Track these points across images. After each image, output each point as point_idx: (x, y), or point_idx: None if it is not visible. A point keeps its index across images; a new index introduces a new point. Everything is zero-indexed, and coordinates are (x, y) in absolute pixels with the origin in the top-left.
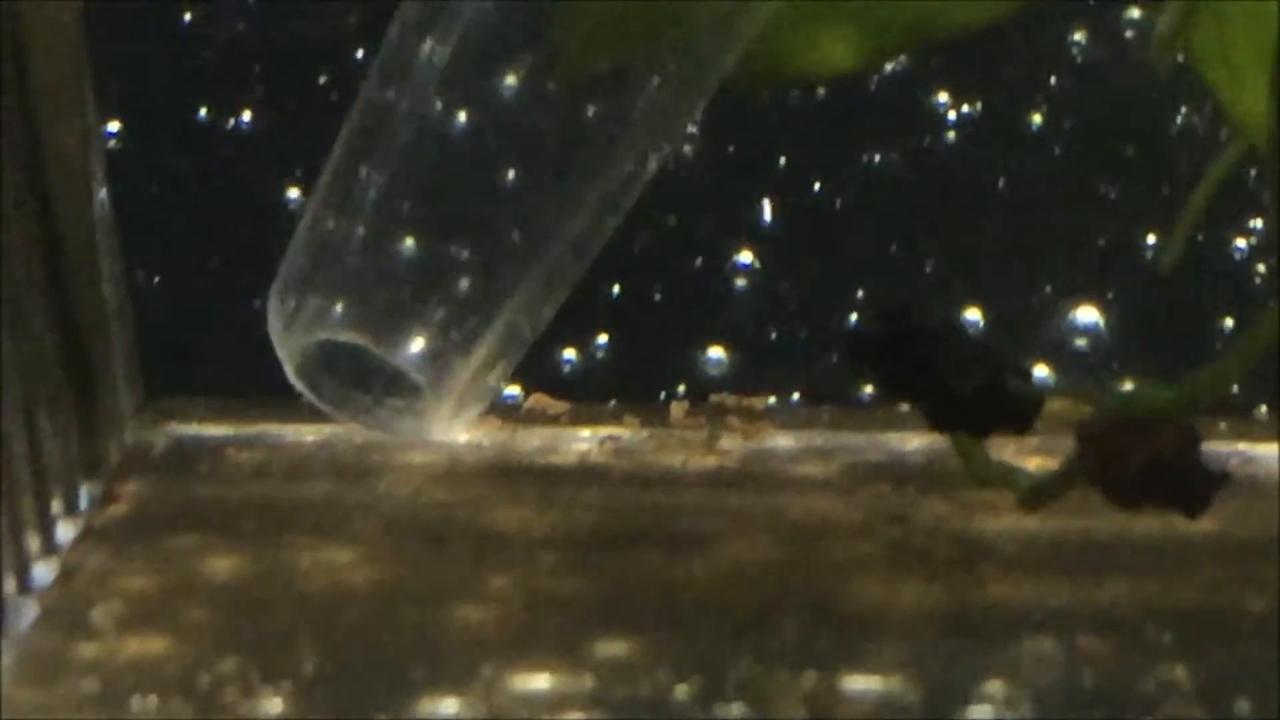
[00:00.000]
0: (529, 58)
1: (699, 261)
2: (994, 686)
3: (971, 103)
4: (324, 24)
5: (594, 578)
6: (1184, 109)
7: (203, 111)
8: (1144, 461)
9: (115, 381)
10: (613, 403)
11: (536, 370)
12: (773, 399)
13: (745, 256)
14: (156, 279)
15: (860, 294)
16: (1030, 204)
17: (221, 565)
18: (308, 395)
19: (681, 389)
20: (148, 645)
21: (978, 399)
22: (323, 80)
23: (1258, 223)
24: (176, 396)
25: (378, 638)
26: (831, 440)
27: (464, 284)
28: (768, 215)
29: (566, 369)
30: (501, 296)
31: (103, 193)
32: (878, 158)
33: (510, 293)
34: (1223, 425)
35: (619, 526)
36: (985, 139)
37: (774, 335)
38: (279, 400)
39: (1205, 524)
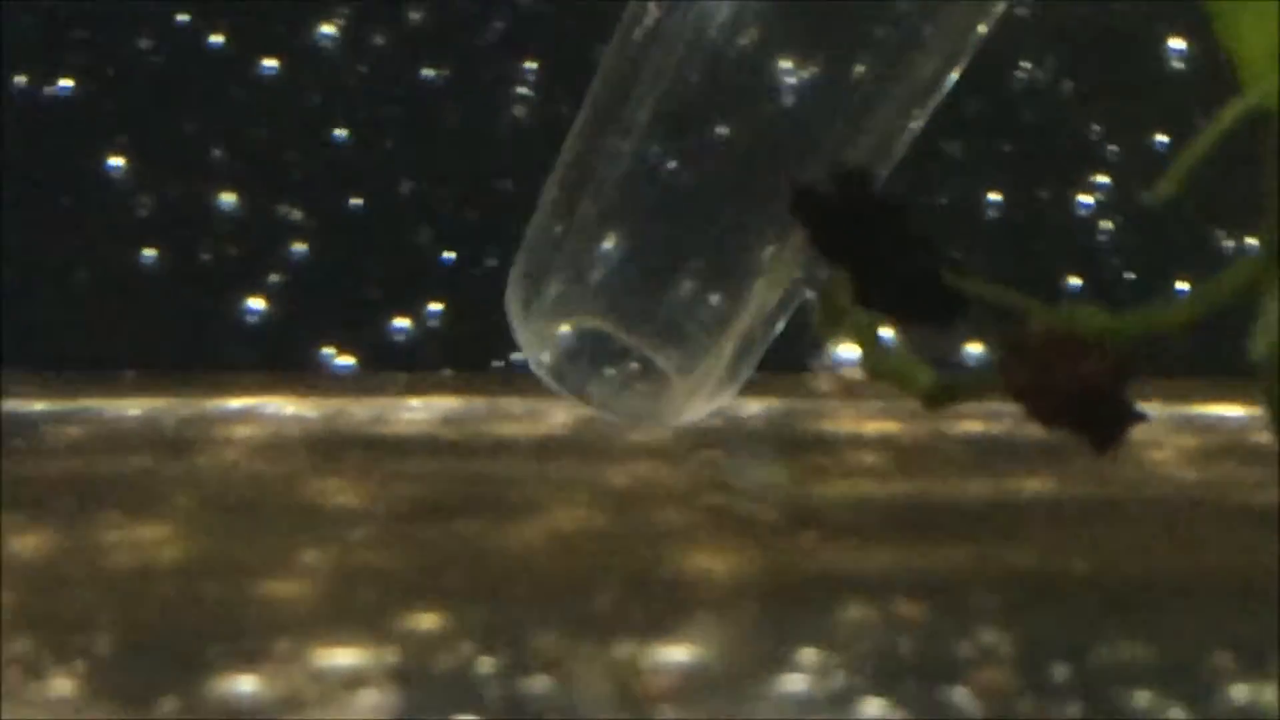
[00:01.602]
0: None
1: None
2: (807, 655)
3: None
4: None
5: (409, 550)
6: None
7: (22, 79)
8: (1072, 382)
9: None
10: (447, 371)
11: (368, 340)
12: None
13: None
14: None
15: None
16: None
17: (26, 543)
18: (548, 381)
19: (518, 356)
20: None
21: (912, 283)
22: (143, 46)
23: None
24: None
25: (179, 616)
26: None
27: (710, 264)
28: None
29: (399, 338)
30: (749, 277)
31: None
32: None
33: (757, 273)
34: None
35: (440, 497)
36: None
37: None
38: (99, 375)
39: (1038, 484)
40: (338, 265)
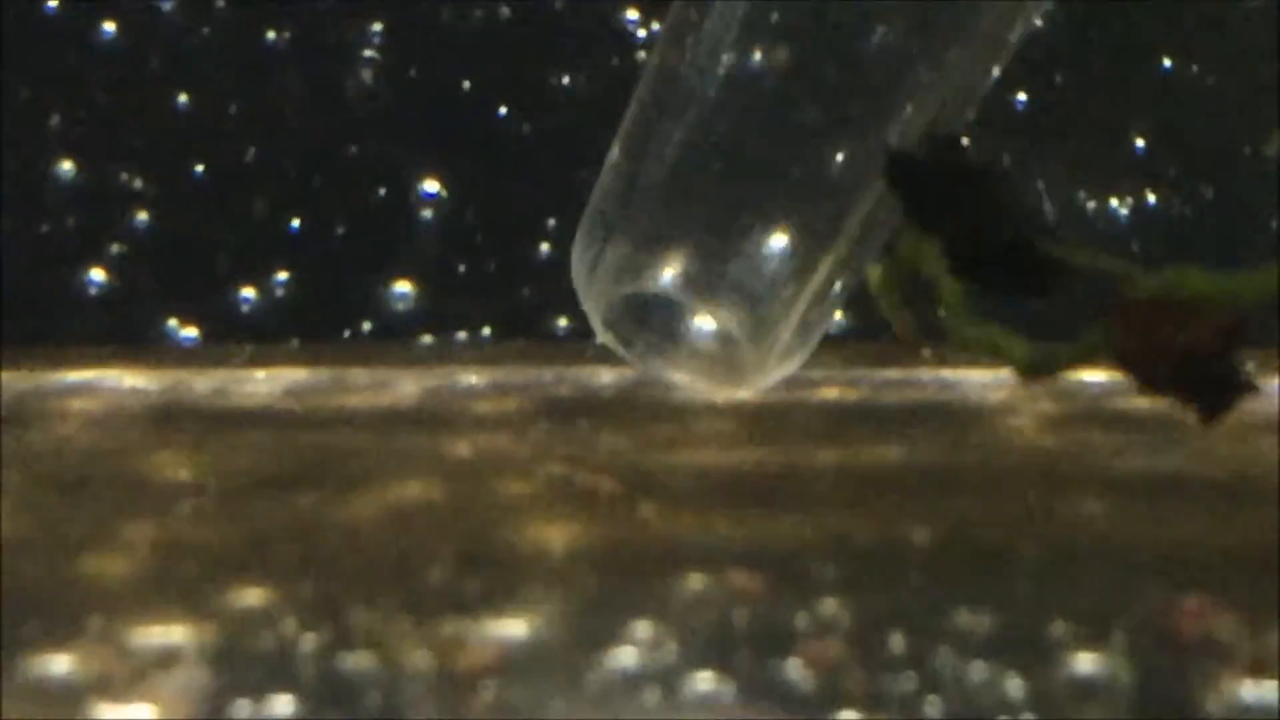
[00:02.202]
0: None
1: (382, 192)
2: (641, 627)
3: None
4: None
5: (238, 524)
6: None
7: None
8: (1181, 348)
9: None
10: (294, 342)
11: (213, 312)
12: (463, 334)
13: (431, 186)
14: None
15: (553, 223)
16: None
17: None
18: (613, 346)
19: (366, 326)
20: None
21: (1008, 251)
22: None
23: None
24: None
25: None
26: (519, 375)
27: (780, 229)
28: (455, 142)
29: (245, 308)
30: (819, 242)
31: None
32: (565, 79)
33: (827, 239)
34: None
35: (276, 470)
36: None
37: (462, 268)
38: None
39: (890, 454)
40: (181, 235)
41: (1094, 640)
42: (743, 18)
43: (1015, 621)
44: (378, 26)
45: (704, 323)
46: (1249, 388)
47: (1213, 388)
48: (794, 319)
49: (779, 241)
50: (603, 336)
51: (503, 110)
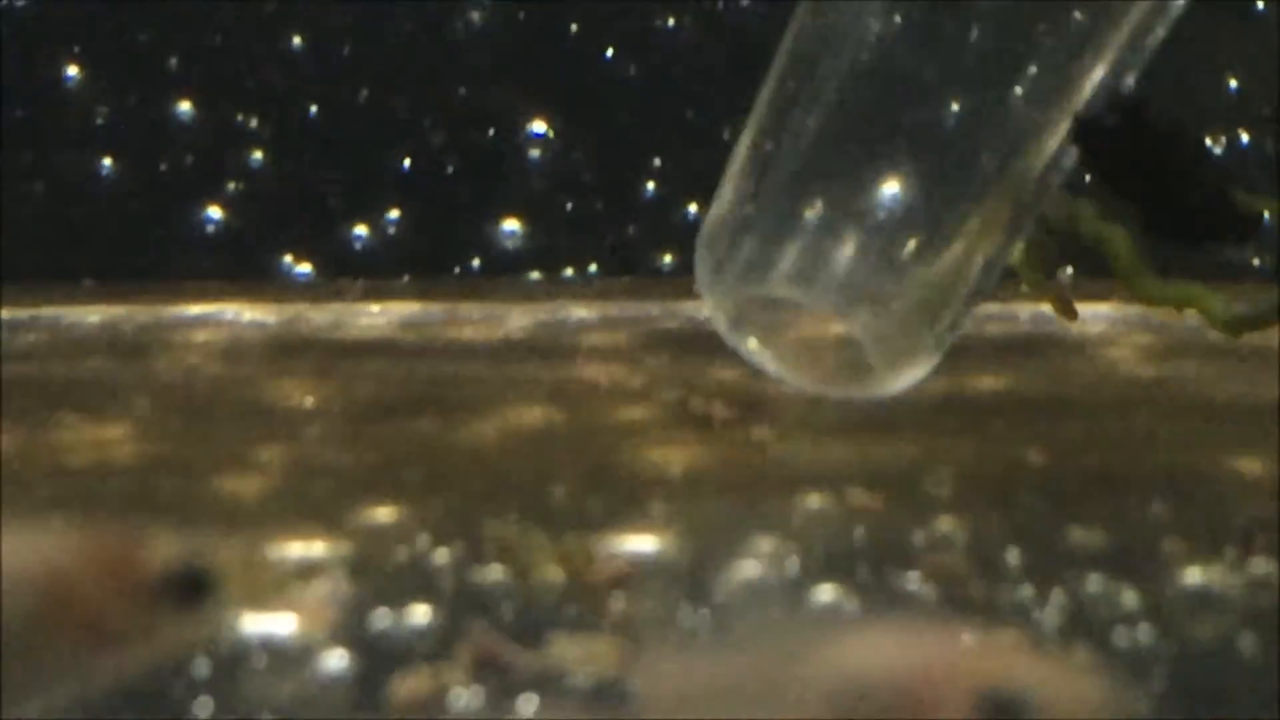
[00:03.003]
0: None
1: (491, 132)
2: (763, 543)
3: None
4: None
5: (364, 446)
6: None
7: None
8: None
9: None
10: (405, 278)
11: (327, 249)
12: (570, 270)
13: (539, 126)
14: None
15: (658, 162)
16: None
17: None
18: (738, 348)
19: (476, 263)
20: None
21: (1205, 206)
22: None
23: None
24: None
25: (134, 511)
26: (627, 309)
27: (905, 230)
28: (562, 83)
29: (358, 245)
30: (945, 240)
31: None
32: (670, 21)
33: (953, 236)
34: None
35: (397, 396)
36: None
37: (570, 206)
38: (60, 284)
39: (992, 383)
40: (296, 173)
41: (1204, 555)
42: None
43: (1129, 535)
44: None
45: (832, 327)
46: None
47: None
48: (925, 318)
49: (904, 242)
50: (728, 337)
51: (609, 52)
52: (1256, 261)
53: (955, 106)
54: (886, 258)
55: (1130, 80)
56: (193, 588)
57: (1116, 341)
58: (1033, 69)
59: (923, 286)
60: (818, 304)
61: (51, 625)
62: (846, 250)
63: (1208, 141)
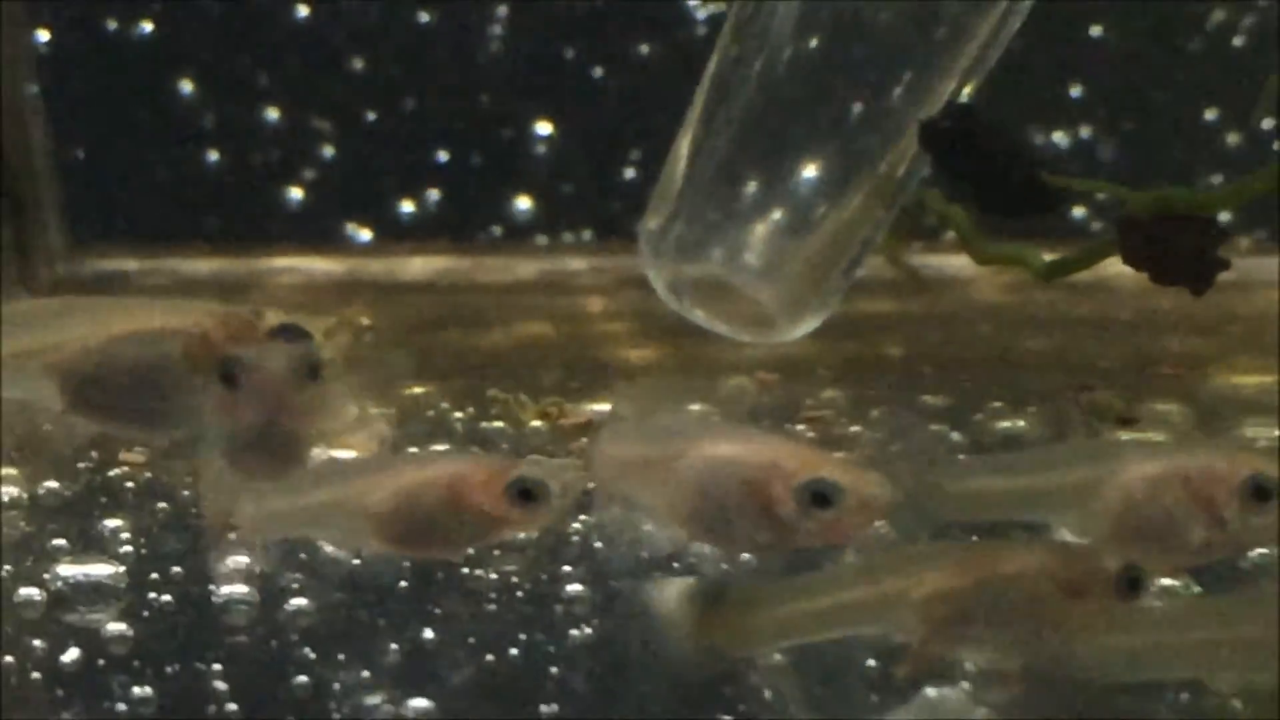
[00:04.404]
0: None
1: (508, 132)
2: (692, 407)
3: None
4: None
5: (407, 346)
6: None
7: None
8: (1180, 248)
9: (48, 226)
10: (443, 242)
11: (382, 219)
12: (569, 235)
13: (544, 128)
14: (82, 151)
15: (636, 154)
16: None
17: None
18: (671, 305)
19: (497, 230)
20: None
21: (1022, 186)
22: None
23: None
24: (99, 239)
25: None
26: (610, 263)
27: (804, 204)
28: (561, 95)
29: (406, 218)
30: (839, 219)
31: (34, 88)
32: (644, 49)
33: (846, 214)
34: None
35: (431, 319)
36: None
37: (568, 188)
38: (179, 244)
39: (877, 306)
40: (358, 163)
41: (1012, 405)
42: (786, 13)
43: (959, 399)
44: (503, 11)
45: (747, 296)
46: (1225, 266)
47: (1200, 272)
48: (826, 276)
49: (807, 219)
50: (664, 298)
51: (598, 72)
52: (1098, 225)
53: (850, 107)
54: (791, 237)
55: (971, 88)
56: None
57: (980, 280)
58: (907, 78)
59: (817, 258)
60: (737, 279)
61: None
62: (760, 233)
63: (1056, 135)
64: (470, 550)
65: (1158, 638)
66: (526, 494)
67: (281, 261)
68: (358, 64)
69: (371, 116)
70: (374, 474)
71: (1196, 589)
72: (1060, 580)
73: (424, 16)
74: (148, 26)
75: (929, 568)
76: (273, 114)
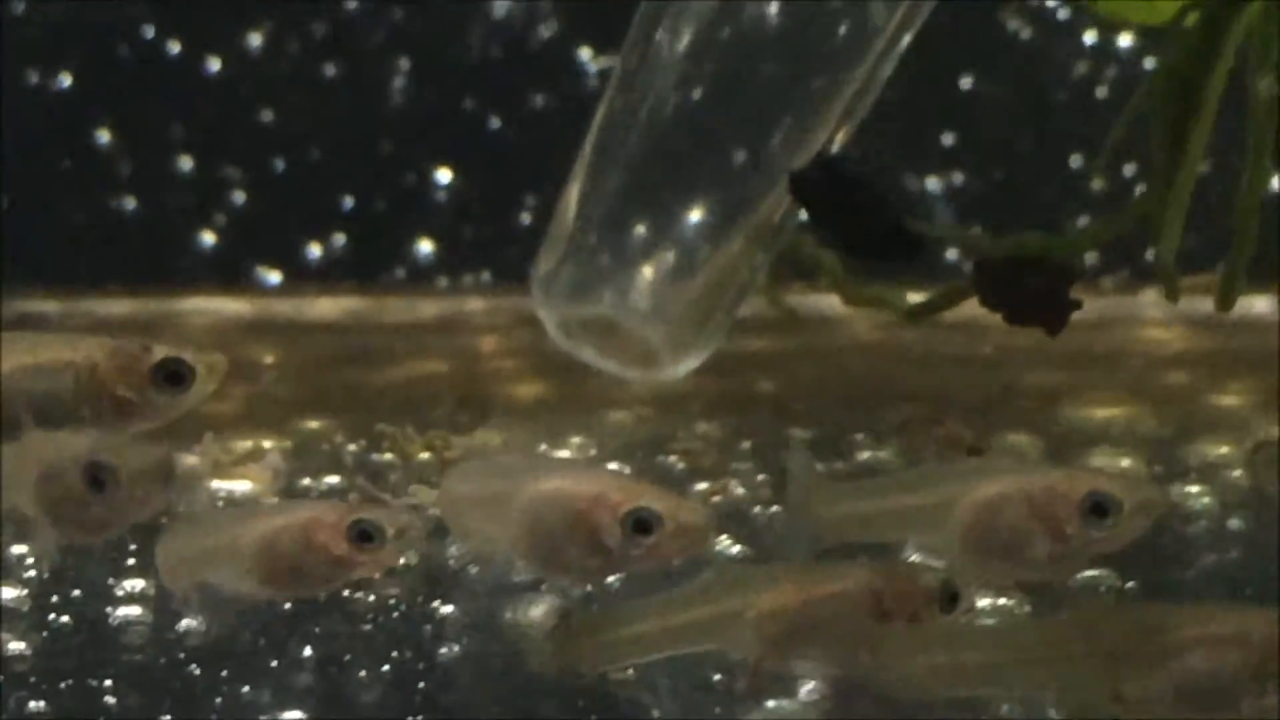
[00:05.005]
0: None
1: (411, 178)
2: (574, 439)
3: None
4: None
5: (306, 384)
6: None
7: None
8: (1031, 288)
9: None
10: (348, 284)
11: (291, 261)
12: (469, 277)
13: (445, 175)
14: (5, 198)
15: (532, 200)
16: None
17: None
18: (561, 344)
19: (400, 272)
20: None
21: (886, 235)
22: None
23: None
24: (21, 282)
25: None
26: (507, 303)
27: (689, 247)
28: (461, 144)
29: (313, 260)
30: (721, 262)
31: None
32: (540, 100)
33: (727, 257)
34: None
35: (333, 357)
36: None
37: (468, 232)
38: (94, 286)
39: (751, 343)
40: (266, 209)
41: (875, 437)
42: (670, 65)
43: (826, 431)
44: (405, 64)
45: (635, 335)
46: (1077, 306)
47: (1053, 313)
48: (711, 315)
49: (692, 261)
50: (554, 336)
51: (496, 123)
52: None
53: (731, 155)
54: (677, 279)
55: (845, 136)
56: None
57: (854, 319)
58: (784, 127)
59: (701, 299)
60: (626, 319)
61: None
62: (647, 275)
63: (929, 180)
64: (322, 592)
65: (978, 654)
66: (365, 535)
67: (194, 303)
68: (267, 115)
69: (280, 165)
70: (245, 521)
71: (1027, 608)
72: (884, 597)
73: (329, 69)
74: (66, 80)
75: (763, 588)
76: (186, 162)
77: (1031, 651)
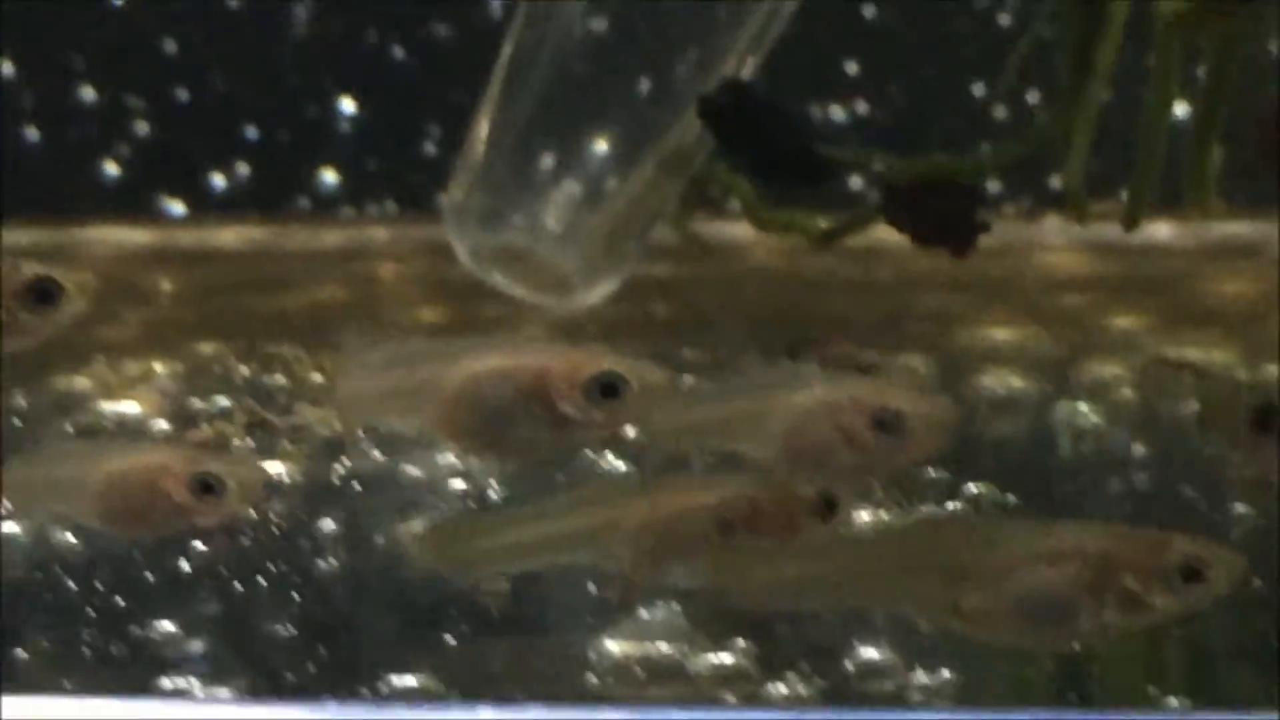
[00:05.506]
0: None
1: (315, 109)
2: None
3: None
4: None
5: (203, 308)
6: None
7: None
8: (939, 210)
9: None
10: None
11: (195, 191)
12: (374, 207)
13: (349, 105)
14: None
15: (436, 130)
16: None
17: None
18: (473, 268)
19: (305, 202)
20: None
21: (795, 160)
22: None
23: None
24: None
25: None
26: (415, 232)
27: (598, 175)
28: (366, 75)
29: (217, 191)
30: (631, 191)
31: None
32: (442, 31)
33: (637, 186)
34: None
35: (235, 283)
36: None
37: (372, 163)
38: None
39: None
40: (171, 139)
41: (768, 358)
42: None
43: (720, 354)
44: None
45: (547, 261)
46: (985, 229)
47: (961, 234)
48: (619, 241)
49: (601, 189)
50: (466, 264)
51: (399, 53)
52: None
53: (638, 84)
54: (588, 206)
55: (750, 67)
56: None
57: (758, 246)
58: (691, 56)
59: (611, 226)
60: (538, 246)
61: None
62: (558, 202)
63: (834, 110)
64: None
65: (825, 566)
66: (206, 487)
67: (97, 233)
68: (169, 45)
69: (183, 95)
70: (94, 458)
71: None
72: (760, 508)
73: (235, 2)
74: None
75: (637, 501)
76: (88, 93)
77: (875, 564)
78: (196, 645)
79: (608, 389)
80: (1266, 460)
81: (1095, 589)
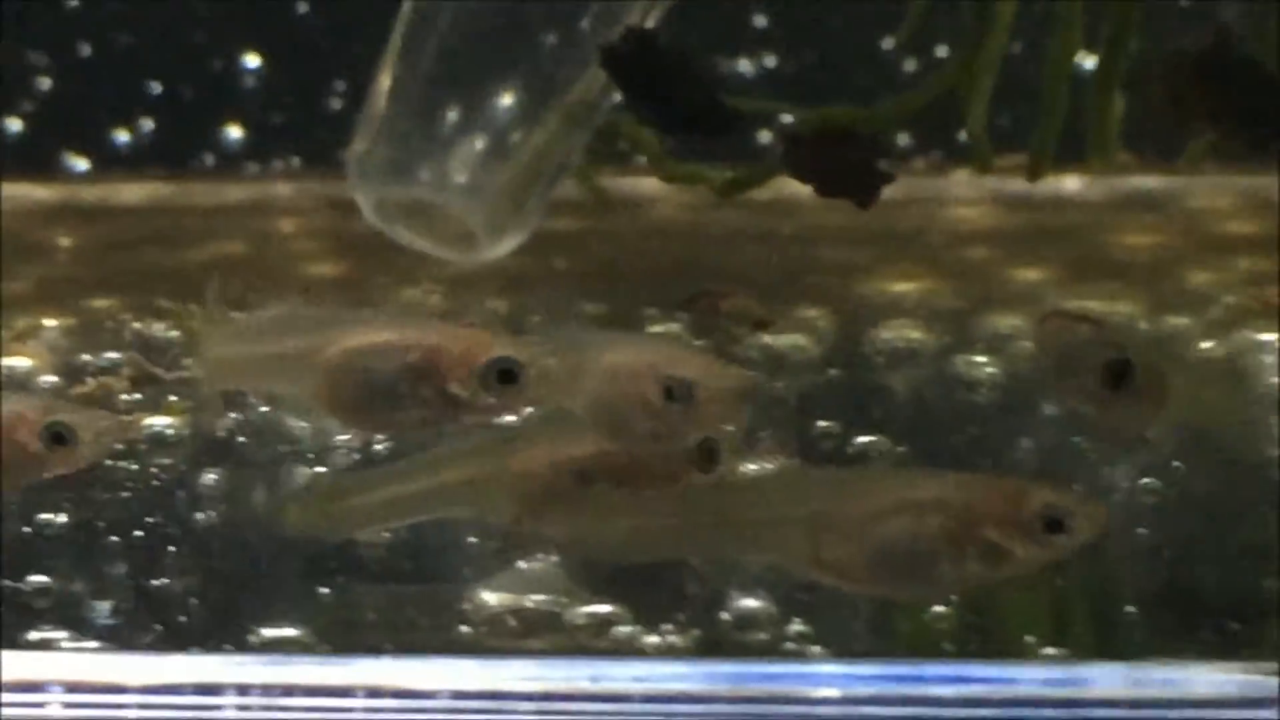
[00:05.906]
0: None
1: (219, 63)
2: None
3: None
4: None
5: (103, 264)
6: None
7: None
8: (841, 161)
9: None
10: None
11: (99, 147)
12: (279, 163)
13: (253, 60)
14: None
15: (341, 85)
16: None
17: None
18: (375, 223)
19: (209, 159)
20: None
21: (700, 109)
22: None
23: None
24: None
25: None
26: (320, 188)
27: (503, 129)
28: (270, 29)
29: (121, 146)
30: (535, 144)
31: None
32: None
33: (541, 139)
34: None
35: (137, 237)
36: None
37: (277, 117)
38: None
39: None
40: (73, 95)
41: (665, 311)
42: None
43: (618, 306)
44: None
45: (452, 215)
46: (889, 179)
47: (864, 184)
48: (524, 195)
49: (500, 130)
50: (369, 218)
51: (304, 8)
52: None
53: (542, 36)
54: (490, 161)
55: (656, 16)
56: None
57: (662, 200)
58: (594, 7)
59: (517, 179)
60: (443, 199)
61: None
62: (463, 155)
63: (741, 63)
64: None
65: (670, 519)
66: (59, 438)
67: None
68: (73, 0)
69: (87, 50)
70: None
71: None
72: (639, 459)
73: None
74: None
75: (518, 451)
76: None
77: (742, 514)
78: (66, 598)
79: (505, 375)
80: (1118, 416)
81: (956, 539)
